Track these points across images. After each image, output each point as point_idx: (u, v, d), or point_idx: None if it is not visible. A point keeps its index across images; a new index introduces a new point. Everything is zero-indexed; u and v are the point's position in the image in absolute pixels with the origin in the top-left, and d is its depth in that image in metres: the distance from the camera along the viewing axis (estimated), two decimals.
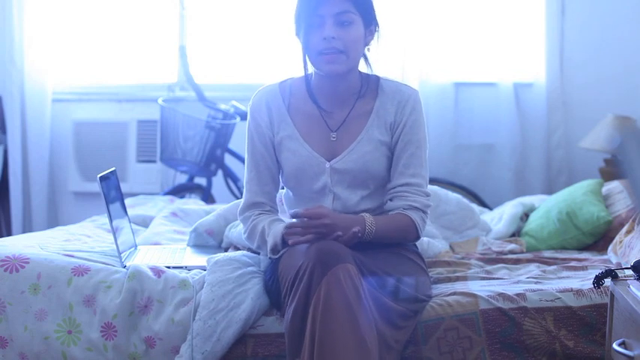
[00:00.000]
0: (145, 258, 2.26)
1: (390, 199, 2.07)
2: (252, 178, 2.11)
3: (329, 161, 2.06)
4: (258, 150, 2.10)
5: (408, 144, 2.06)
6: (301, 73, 2.08)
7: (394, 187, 2.06)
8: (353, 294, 1.73)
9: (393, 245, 2.05)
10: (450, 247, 2.67)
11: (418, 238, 2.09)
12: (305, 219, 1.89)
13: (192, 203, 3.30)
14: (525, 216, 2.99)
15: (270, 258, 2.04)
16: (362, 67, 2.10)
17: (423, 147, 2.07)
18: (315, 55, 1.99)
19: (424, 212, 2.06)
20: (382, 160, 2.07)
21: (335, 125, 2.08)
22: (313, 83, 2.08)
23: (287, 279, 1.86)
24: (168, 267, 2.14)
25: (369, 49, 2.08)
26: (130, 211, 2.68)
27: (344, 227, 1.89)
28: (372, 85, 2.10)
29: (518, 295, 2.01)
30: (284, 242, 1.98)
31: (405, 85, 2.11)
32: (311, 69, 2.06)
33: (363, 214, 2.00)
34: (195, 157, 3.66)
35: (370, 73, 2.11)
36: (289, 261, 1.88)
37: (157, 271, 2.06)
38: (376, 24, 2.06)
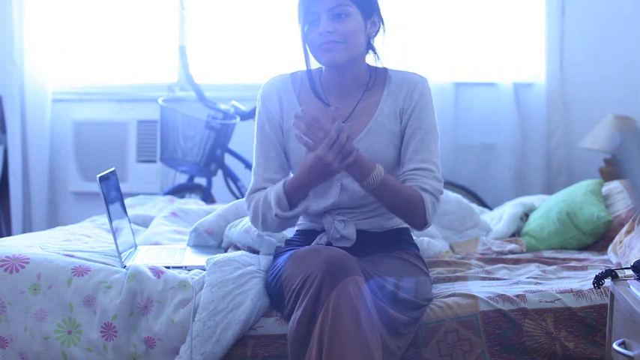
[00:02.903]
0: (144, 258, 2.26)
1: (402, 182, 2.02)
2: (261, 163, 2.08)
3: None
4: (268, 136, 2.08)
5: (417, 130, 2.02)
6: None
7: (404, 172, 2.02)
8: (361, 306, 1.73)
9: (393, 248, 2.04)
10: (450, 247, 2.67)
11: (425, 223, 2.00)
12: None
13: (192, 203, 3.30)
14: (525, 216, 2.99)
15: (276, 216, 1.97)
16: (370, 60, 2.08)
17: (432, 133, 2.03)
18: (315, 49, 2.00)
19: (435, 197, 1.99)
20: (392, 150, 2.04)
21: (343, 117, 2.04)
22: (322, 77, 2.08)
23: (293, 285, 1.84)
24: (168, 267, 2.14)
25: (373, 40, 2.05)
26: (130, 211, 2.68)
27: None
28: (380, 76, 2.08)
29: (518, 296, 2.00)
30: (287, 194, 1.95)
31: (413, 73, 2.09)
32: (317, 64, 2.06)
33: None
34: (195, 157, 3.66)
35: (379, 66, 2.08)
36: (296, 267, 1.86)
37: (157, 272, 2.06)
38: (379, 16, 2.04)
